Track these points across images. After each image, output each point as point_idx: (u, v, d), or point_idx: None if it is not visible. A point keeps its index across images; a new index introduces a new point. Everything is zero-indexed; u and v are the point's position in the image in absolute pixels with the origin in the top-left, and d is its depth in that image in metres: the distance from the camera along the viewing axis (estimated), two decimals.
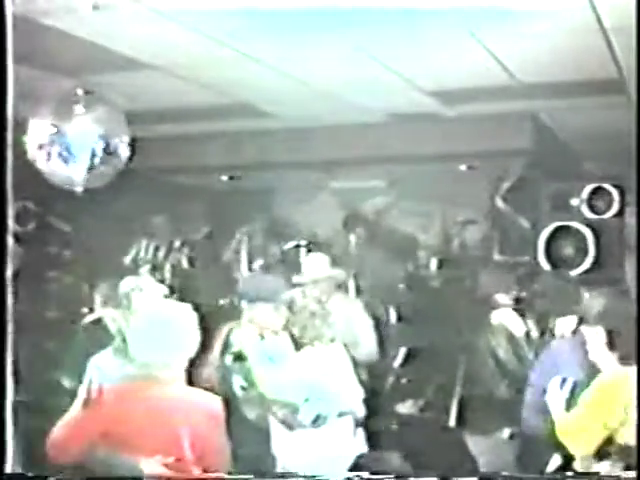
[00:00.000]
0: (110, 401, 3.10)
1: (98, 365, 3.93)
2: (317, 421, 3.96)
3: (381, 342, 5.43)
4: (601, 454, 3.52)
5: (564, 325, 4.41)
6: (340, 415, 4.03)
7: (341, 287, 5.45)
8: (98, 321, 4.92)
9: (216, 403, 3.11)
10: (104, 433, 3.03)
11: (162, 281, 4.55)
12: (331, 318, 4.28)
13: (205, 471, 3.01)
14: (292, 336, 4.15)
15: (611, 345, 3.55)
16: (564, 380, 3.66)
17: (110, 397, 3.12)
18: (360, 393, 4.14)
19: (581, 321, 3.81)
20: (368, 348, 5.18)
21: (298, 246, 7.04)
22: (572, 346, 4.04)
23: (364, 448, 4.12)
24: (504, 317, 4.78)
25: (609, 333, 3.56)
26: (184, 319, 3.17)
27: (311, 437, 3.99)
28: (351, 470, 3.45)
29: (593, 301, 3.81)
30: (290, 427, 3.98)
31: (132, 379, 3.16)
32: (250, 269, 7.44)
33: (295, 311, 4.19)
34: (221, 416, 3.08)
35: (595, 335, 3.62)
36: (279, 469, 3.92)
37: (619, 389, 3.48)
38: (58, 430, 3.13)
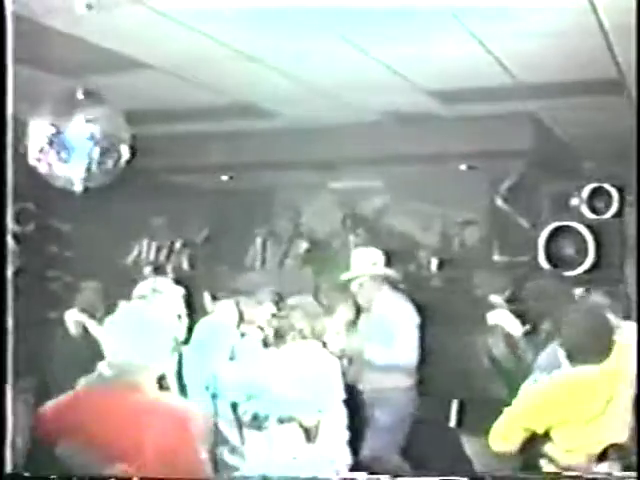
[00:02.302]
0: (84, 401, 3.07)
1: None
2: (256, 421, 3.83)
3: None
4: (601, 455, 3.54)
5: None
6: (280, 421, 3.80)
7: (389, 282, 5.41)
8: None
9: (183, 407, 3.01)
10: (75, 431, 2.99)
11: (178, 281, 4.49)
12: (335, 316, 4.22)
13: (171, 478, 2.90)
14: (275, 332, 4.09)
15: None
16: None
17: (84, 397, 3.08)
18: (317, 402, 3.81)
19: None
20: (405, 351, 5.15)
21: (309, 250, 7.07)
22: None
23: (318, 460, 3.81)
24: (499, 317, 4.76)
25: None
26: (165, 320, 3.10)
27: (258, 438, 3.86)
28: (351, 470, 3.44)
29: None
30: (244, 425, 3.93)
31: (106, 381, 3.07)
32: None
33: (281, 307, 4.14)
34: (191, 420, 2.95)
35: None
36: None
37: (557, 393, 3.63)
38: (46, 409, 3.09)
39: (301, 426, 3.79)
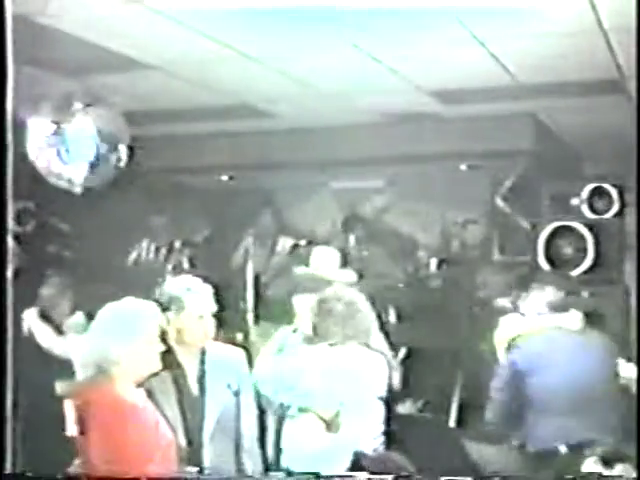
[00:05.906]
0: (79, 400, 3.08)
1: None
2: (282, 409, 3.90)
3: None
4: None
5: None
6: (301, 410, 3.89)
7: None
8: None
9: (129, 397, 2.97)
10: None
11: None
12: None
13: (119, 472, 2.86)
14: (315, 332, 4.04)
15: None
16: None
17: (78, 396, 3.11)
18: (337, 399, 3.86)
19: None
20: None
21: (296, 245, 7.05)
22: None
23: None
24: (512, 322, 4.65)
25: None
26: (145, 315, 3.08)
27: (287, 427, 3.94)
28: (351, 470, 3.42)
29: None
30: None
31: (88, 379, 3.11)
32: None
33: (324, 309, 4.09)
34: (134, 411, 2.93)
35: None
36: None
37: None
38: None
39: (320, 418, 3.86)
